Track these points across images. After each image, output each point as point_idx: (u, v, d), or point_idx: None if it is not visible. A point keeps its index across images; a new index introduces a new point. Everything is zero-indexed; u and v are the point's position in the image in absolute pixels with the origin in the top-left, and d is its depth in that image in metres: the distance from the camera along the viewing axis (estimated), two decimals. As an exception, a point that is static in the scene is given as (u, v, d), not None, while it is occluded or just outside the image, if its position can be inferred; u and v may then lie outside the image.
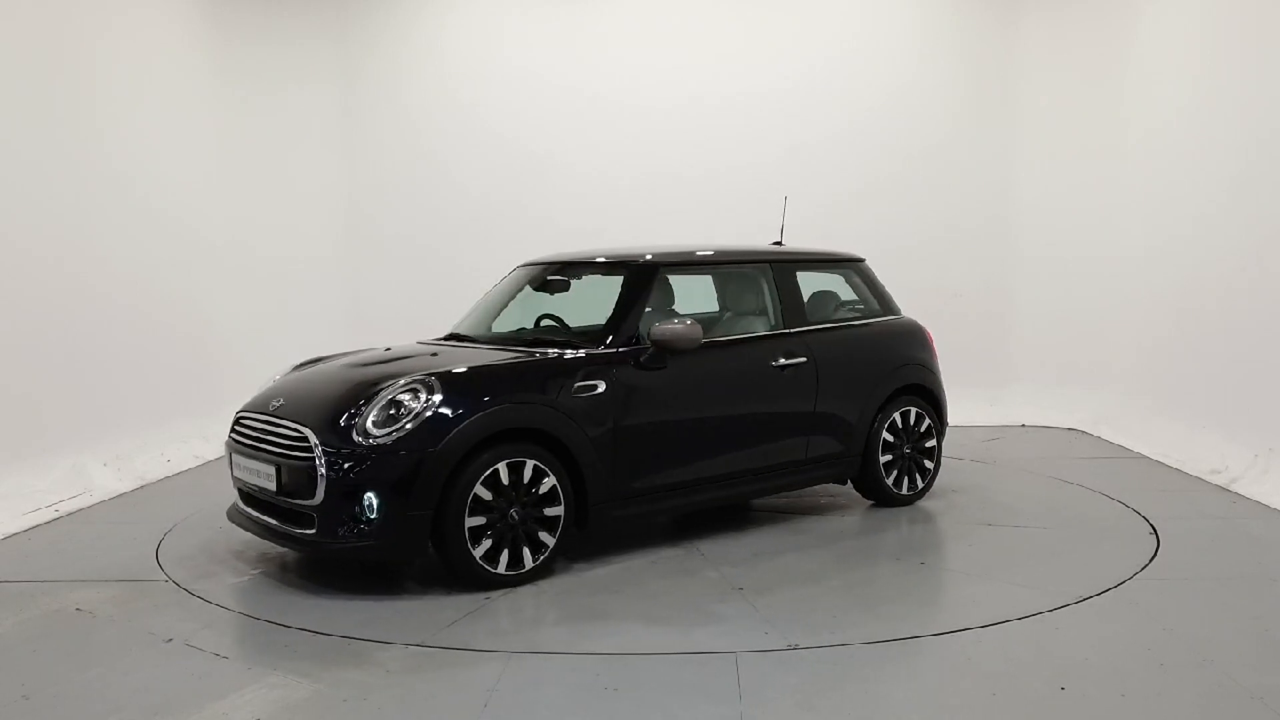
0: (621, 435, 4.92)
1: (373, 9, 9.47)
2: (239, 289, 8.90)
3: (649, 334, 5.06)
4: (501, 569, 4.54)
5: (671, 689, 3.51)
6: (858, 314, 6.20)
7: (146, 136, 7.81)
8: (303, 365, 5.52)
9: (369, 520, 4.35)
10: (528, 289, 5.91)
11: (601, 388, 4.86)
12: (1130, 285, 8.50)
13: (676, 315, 5.24)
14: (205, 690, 3.53)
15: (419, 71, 9.48)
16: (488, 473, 4.45)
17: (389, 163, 9.53)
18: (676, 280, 5.60)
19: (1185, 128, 7.68)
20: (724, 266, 5.99)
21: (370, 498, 4.33)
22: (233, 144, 8.92)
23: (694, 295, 6.01)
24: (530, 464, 4.58)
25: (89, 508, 6.24)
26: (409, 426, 4.38)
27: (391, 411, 4.44)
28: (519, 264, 6.13)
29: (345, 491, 4.35)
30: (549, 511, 4.66)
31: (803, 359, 5.62)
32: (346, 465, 4.35)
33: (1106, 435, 8.24)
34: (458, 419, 4.43)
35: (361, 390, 4.60)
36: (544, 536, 4.66)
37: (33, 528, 5.75)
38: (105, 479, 6.69)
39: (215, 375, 8.20)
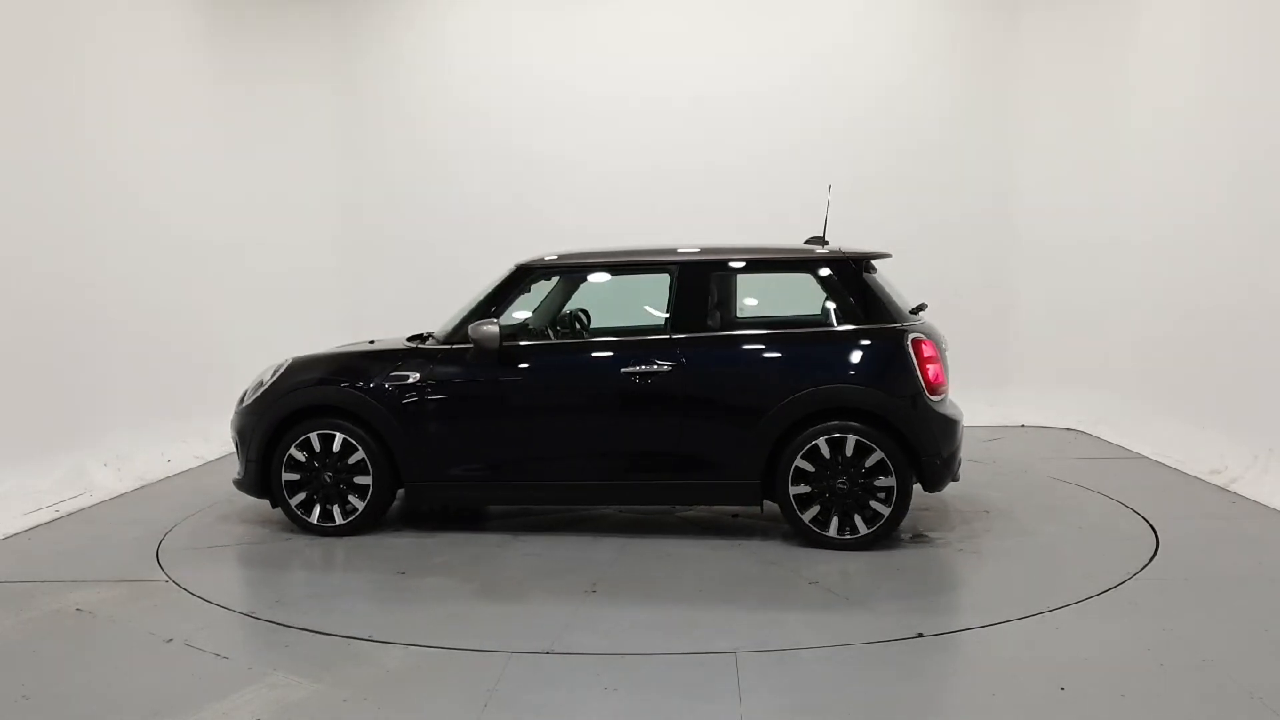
0: (431, 423, 5.40)
1: (372, 8, 9.46)
2: (238, 289, 8.89)
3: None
4: (314, 520, 5.49)
5: (671, 689, 3.51)
6: (810, 321, 5.50)
7: (145, 137, 7.79)
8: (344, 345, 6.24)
9: (244, 464, 5.60)
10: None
11: (413, 378, 5.42)
12: (1130, 285, 8.49)
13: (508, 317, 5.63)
14: (205, 690, 3.53)
15: (418, 71, 9.47)
16: (301, 439, 5.44)
17: (388, 162, 9.52)
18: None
19: (1185, 127, 7.67)
20: (620, 270, 5.72)
21: (238, 448, 5.65)
22: (232, 144, 8.90)
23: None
24: (339, 437, 5.43)
25: (89, 508, 6.25)
26: (255, 395, 5.60)
27: (258, 384, 5.66)
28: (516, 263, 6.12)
29: (233, 441, 5.74)
30: (359, 480, 5.44)
31: (666, 366, 5.22)
32: (232, 422, 5.70)
33: (1106, 435, 8.23)
34: (282, 393, 5.52)
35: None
36: (354, 501, 5.47)
37: (33, 528, 5.75)
38: (105, 479, 6.68)
39: (215, 375, 8.19)
